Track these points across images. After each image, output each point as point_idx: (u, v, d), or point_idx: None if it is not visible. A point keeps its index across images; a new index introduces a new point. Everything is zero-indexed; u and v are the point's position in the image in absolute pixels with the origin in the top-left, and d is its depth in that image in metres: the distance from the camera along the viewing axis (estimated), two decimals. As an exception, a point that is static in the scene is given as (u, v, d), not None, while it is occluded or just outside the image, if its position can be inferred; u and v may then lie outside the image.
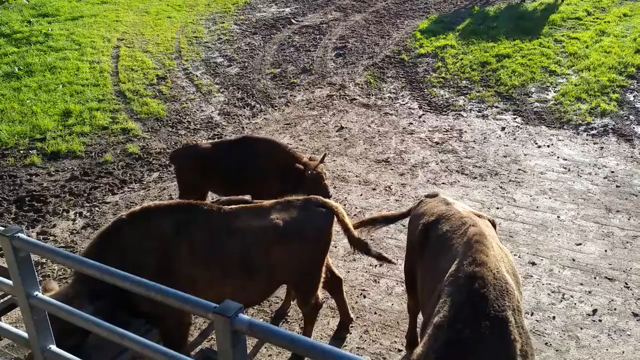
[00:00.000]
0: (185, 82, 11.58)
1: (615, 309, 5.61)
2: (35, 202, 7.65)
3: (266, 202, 4.83)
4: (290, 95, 10.90)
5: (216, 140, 6.42)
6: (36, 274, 3.23)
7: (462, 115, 9.82)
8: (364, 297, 5.92)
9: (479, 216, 4.31)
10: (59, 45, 13.12)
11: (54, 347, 3.27)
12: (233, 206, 4.74)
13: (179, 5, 16.55)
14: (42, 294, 3.25)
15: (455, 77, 11.23)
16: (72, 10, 15.77)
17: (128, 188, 8.07)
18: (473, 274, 3.45)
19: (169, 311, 4.00)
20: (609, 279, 6.01)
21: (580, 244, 6.54)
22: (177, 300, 2.54)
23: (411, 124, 9.61)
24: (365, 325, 5.54)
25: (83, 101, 10.45)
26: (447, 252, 3.89)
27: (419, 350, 3.36)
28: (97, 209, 7.58)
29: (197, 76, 11.81)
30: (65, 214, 7.48)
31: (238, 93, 11.05)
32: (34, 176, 8.26)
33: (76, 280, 4.30)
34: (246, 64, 12.37)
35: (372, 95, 10.76)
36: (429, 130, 9.36)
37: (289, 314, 5.74)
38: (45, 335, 3.24)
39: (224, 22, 15.03)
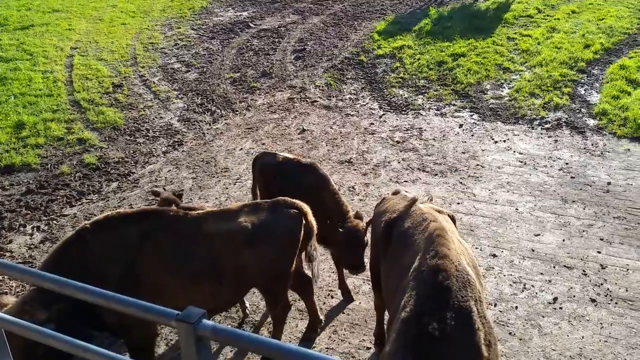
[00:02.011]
0: (142, 89, 11.39)
1: (574, 296, 5.80)
2: (-11, 218, 7.40)
3: (234, 206, 4.80)
4: (251, 100, 10.85)
5: (290, 155, 6.27)
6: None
7: (421, 114, 9.98)
8: (332, 297, 5.94)
9: (439, 212, 4.40)
10: (8, 55, 12.71)
11: (11, 366, 3.17)
12: (200, 211, 4.70)
13: (133, 11, 16.26)
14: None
15: (414, 76, 11.40)
16: (22, 19, 15.30)
17: (86, 199, 7.88)
18: (436, 267, 3.52)
19: (134, 322, 3.93)
20: (567, 267, 6.20)
21: (538, 235, 6.74)
22: (139, 310, 2.49)
23: (372, 124, 9.71)
24: (333, 325, 5.56)
25: (37, 112, 10.15)
26: (410, 247, 3.95)
27: (388, 347, 3.38)
28: (55, 222, 7.37)
29: (154, 83, 11.63)
30: (22, 228, 7.25)
31: (197, 99, 10.93)
32: (-14, 191, 7.99)
33: (29, 288, 4.20)
34: (205, 69, 12.26)
35: (333, 97, 10.82)
36: (390, 130, 9.47)
37: (257, 319, 5.71)
38: (2, 354, 3.13)
39: (180, 28, 14.85)
